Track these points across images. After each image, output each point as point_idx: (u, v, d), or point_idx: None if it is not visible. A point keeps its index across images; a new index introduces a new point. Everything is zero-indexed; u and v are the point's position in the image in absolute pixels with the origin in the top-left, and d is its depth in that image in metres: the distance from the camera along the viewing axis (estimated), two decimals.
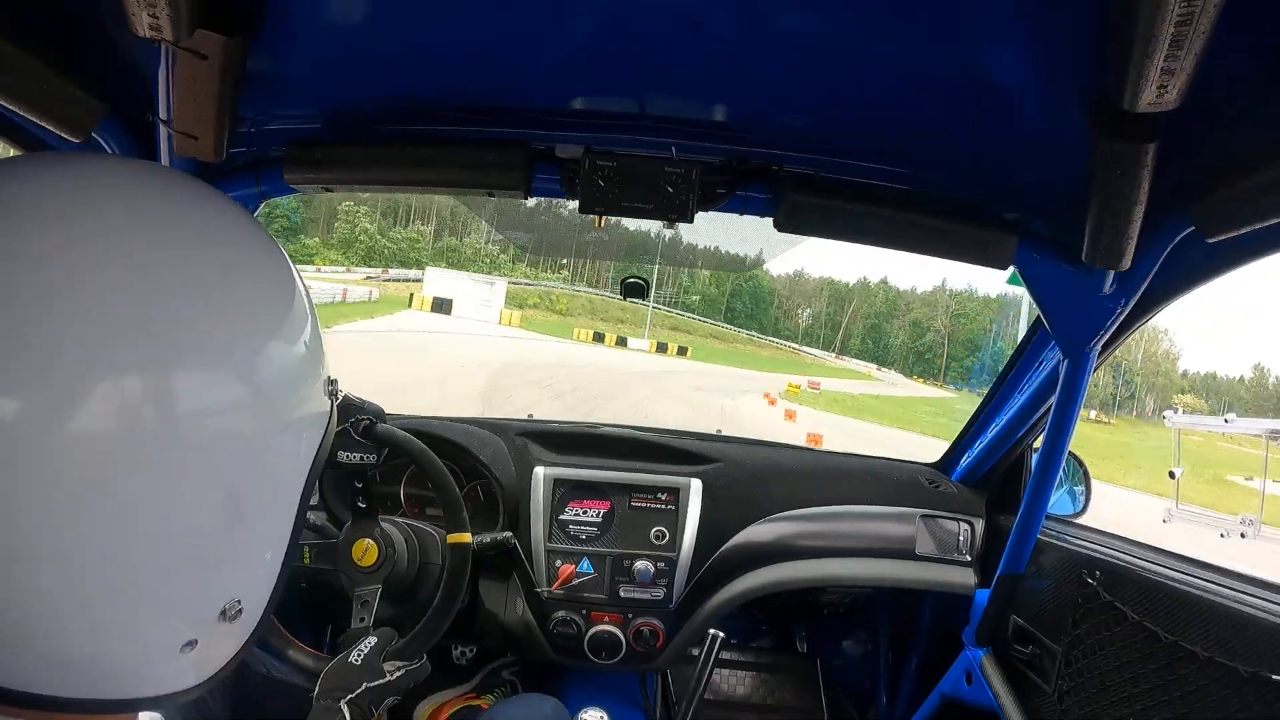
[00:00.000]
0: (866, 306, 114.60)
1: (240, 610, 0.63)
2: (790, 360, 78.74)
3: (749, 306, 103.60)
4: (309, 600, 1.73)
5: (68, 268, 0.52)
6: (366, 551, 1.51)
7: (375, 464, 1.48)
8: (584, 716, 1.29)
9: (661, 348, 55.27)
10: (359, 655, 1.25)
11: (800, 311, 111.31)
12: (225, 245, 0.62)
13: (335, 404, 0.74)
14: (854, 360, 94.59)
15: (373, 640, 1.28)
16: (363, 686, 1.20)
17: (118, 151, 1.20)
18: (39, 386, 0.49)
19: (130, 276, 0.53)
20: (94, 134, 1.15)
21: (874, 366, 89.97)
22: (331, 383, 0.72)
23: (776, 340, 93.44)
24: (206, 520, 0.57)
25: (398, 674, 1.26)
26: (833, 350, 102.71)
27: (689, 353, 57.61)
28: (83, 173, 0.58)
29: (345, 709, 1.13)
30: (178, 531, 0.55)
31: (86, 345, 0.51)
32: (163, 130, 1.12)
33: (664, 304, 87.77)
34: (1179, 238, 1.17)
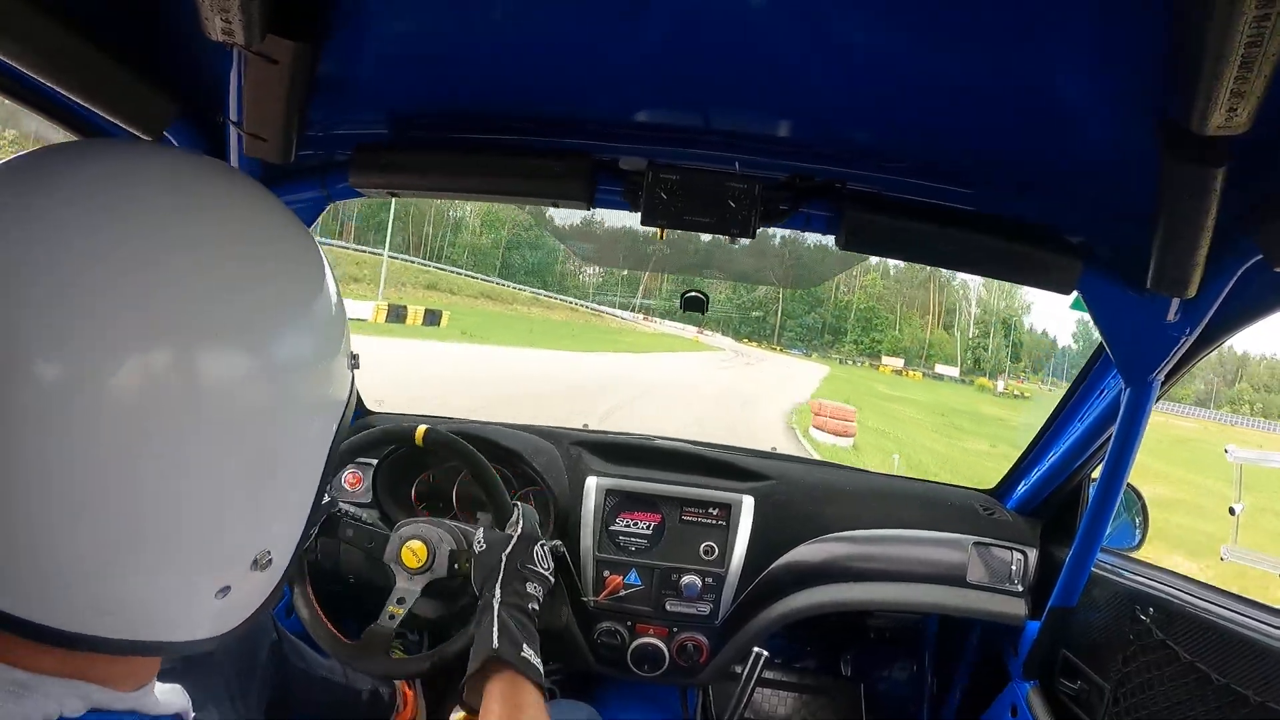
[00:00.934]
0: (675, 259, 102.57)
1: (270, 560, 0.68)
2: (590, 325, 64.75)
3: (529, 260, 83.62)
4: (354, 597, 1.75)
5: (109, 245, 0.56)
6: (416, 553, 1.51)
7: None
8: None
9: (397, 314, 33.59)
10: (479, 543, 1.27)
11: (588, 266, 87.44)
12: (255, 231, 0.66)
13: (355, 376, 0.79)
14: (668, 323, 77.15)
15: (479, 532, 1.30)
16: (502, 558, 1.22)
17: None
18: (78, 352, 0.53)
19: (162, 254, 0.58)
20: (166, 133, 1.19)
21: (696, 330, 75.17)
22: (353, 357, 0.77)
23: (568, 299, 76.44)
24: (236, 479, 0.62)
25: (517, 527, 1.30)
26: (632, 308, 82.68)
27: (443, 319, 36.75)
28: (133, 158, 0.63)
29: (495, 602, 1.15)
30: (209, 489, 0.60)
31: (119, 315, 0.55)
32: (233, 131, 1.16)
33: (421, 257, 69.11)
34: (1247, 265, 1.14)
